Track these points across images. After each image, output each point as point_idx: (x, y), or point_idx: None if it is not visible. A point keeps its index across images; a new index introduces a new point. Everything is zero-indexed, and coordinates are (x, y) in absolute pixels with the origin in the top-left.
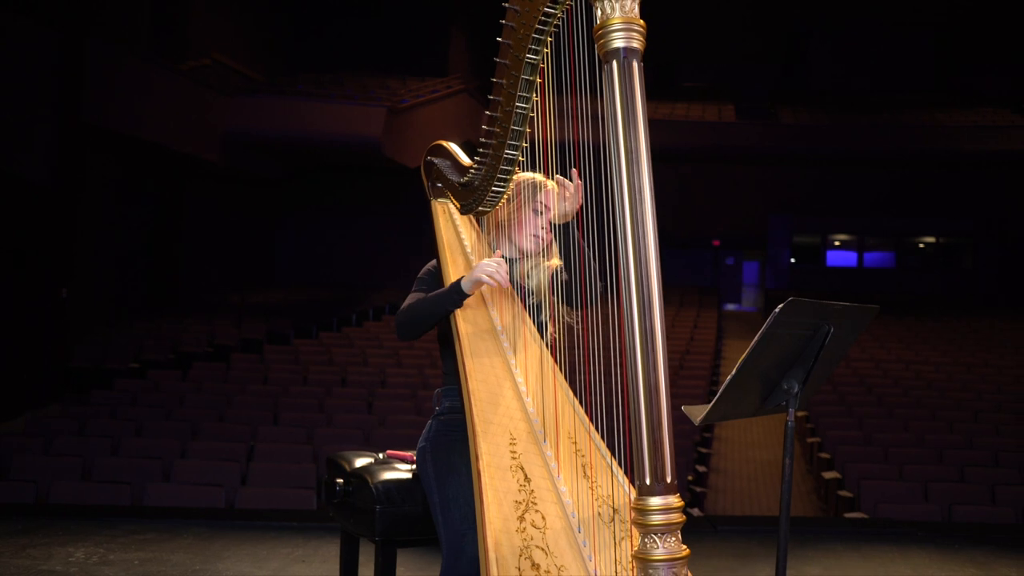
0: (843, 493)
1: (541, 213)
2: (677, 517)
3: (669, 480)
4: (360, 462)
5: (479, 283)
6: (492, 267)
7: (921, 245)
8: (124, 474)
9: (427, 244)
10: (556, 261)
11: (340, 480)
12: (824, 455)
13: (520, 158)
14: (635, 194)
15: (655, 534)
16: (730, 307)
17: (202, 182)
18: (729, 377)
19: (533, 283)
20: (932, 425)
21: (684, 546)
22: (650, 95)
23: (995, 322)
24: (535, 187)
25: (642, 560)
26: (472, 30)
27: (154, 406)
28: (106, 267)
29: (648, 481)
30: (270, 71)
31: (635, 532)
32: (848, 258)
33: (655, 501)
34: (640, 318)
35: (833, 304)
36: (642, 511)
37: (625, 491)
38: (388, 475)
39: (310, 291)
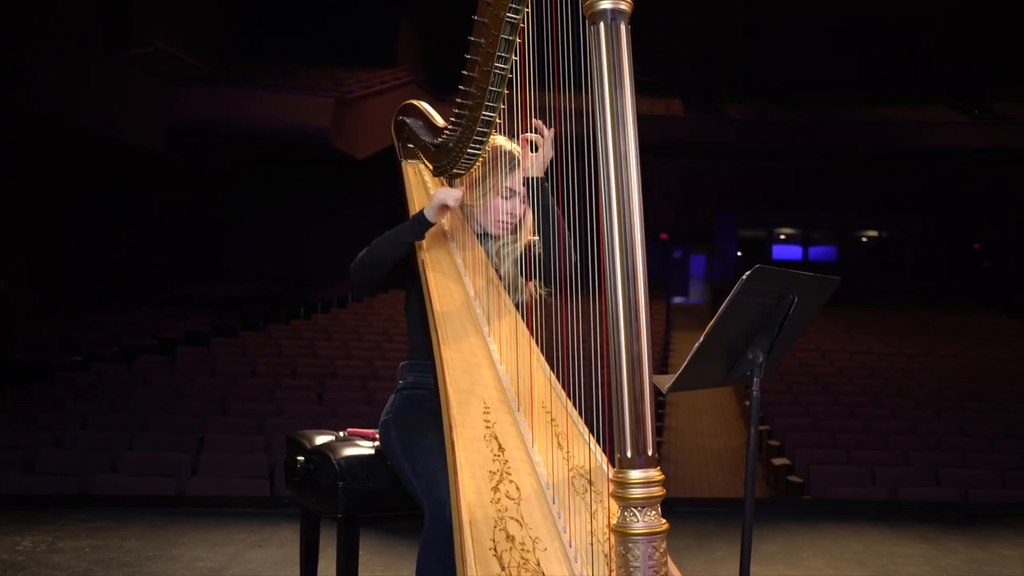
0: (793, 478)
1: (508, 199)
2: (658, 491)
3: (650, 453)
4: (321, 440)
5: (442, 208)
6: (454, 193)
7: (864, 239)
8: (70, 466)
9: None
10: (530, 236)
11: (301, 458)
12: (773, 442)
13: (497, 120)
14: (621, 160)
15: (635, 508)
16: (678, 300)
17: (149, 173)
18: (696, 345)
19: (506, 266)
20: (877, 412)
21: (663, 520)
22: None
23: (935, 314)
24: (509, 165)
25: (621, 534)
26: (421, 22)
27: (99, 399)
28: (48, 258)
29: (629, 454)
30: (216, 61)
31: (610, 503)
32: (793, 252)
33: (635, 474)
34: (624, 287)
35: (798, 273)
36: (622, 484)
37: (599, 462)
38: (350, 451)
39: (258, 284)
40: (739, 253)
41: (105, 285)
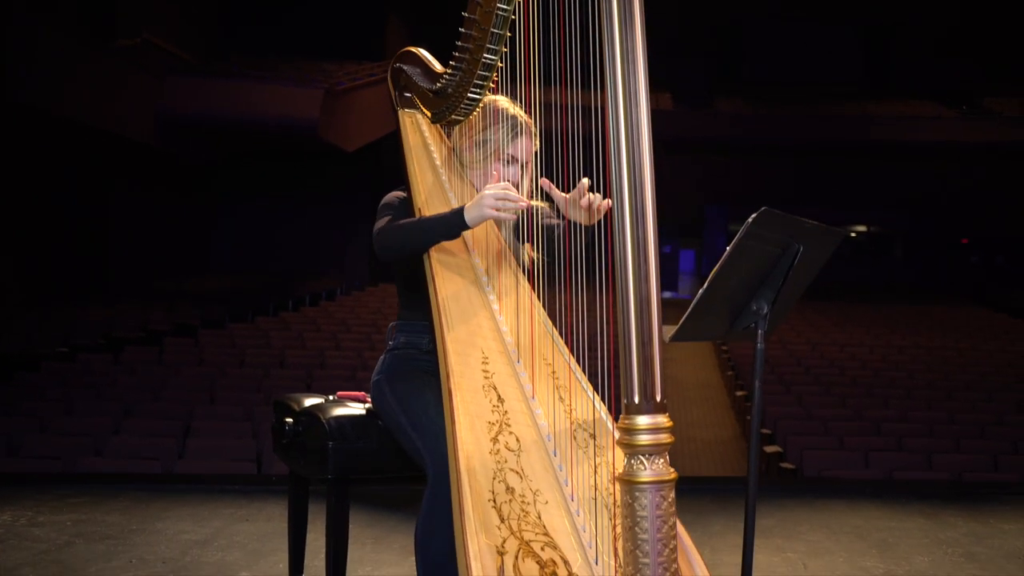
0: (785, 465)
1: (509, 164)
2: (666, 438)
3: (659, 399)
4: (310, 401)
5: (485, 218)
6: (500, 198)
7: (853, 235)
8: (54, 450)
9: (365, 231)
10: (531, 202)
11: (289, 420)
12: (765, 431)
13: (499, 64)
14: (631, 121)
15: (642, 455)
16: (667, 295)
17: (136, 165)
18: (700, 292)
19: (505, 234)
20: (869, 401)
21: (672, 468)
22: (585, 83)
23: (925, 309)
24: (512, 130)
25: (627, 482)
26: (410, 14)
27: (84, 387)
28: (31, 251)
29: (636, 399)
30: (203, 53)
31: (614, 458)
32: None
33: (643, 420)
34: (632, 227)
35: (804, 221)
36: (629, 431)
37: (602, 417)
38: (340, 411)
39: (246, 278)
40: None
41: (90, 278)
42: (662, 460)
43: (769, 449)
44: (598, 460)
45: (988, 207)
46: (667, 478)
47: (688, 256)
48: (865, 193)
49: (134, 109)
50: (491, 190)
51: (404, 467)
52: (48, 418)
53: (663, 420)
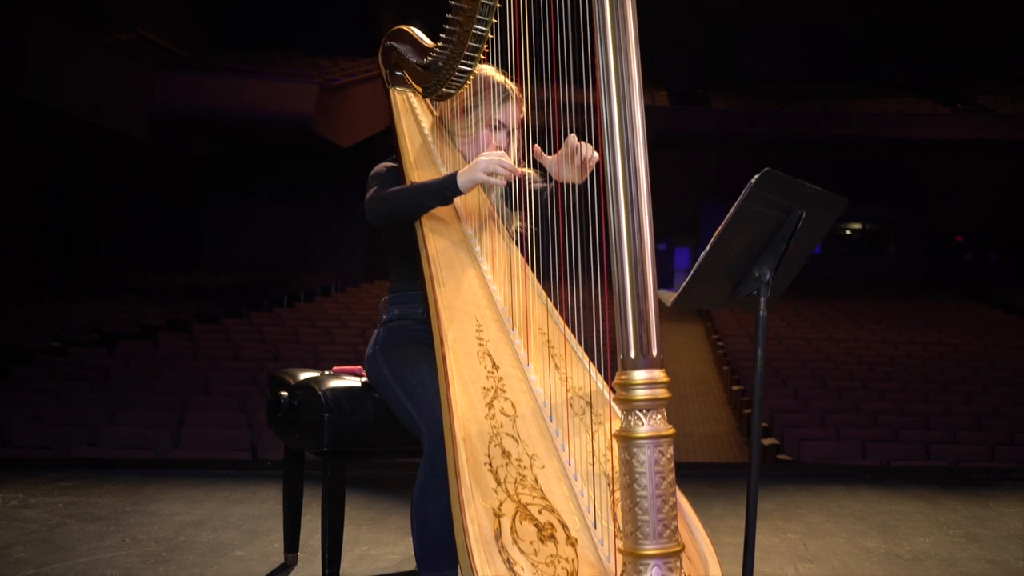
0: (782, 457)
1: (497, 130)
2: (663, 393)
3: (655, 353)
4: (306, 375)
5: (477, 183)
6: (494, 163)
7: (848, 232)
8: (47, 439)
9: (360, 227)
10: (528, 170)
11: (284, 393)
12: (762, 424)
13: (489, 35)
14: (620, 54)
15: (639, 411)
16: (663, 292)
17: (128, 160)
18: (702, 255)
19: (494, 200)
20: (865, 395)
21: (670, 425)
22: (580, 80)
23: (919, 305)
24: (500, 97)
25: (625, 438)
26: (405, 11)
27: (78, 379)
28: (23, 245)
29: (633, 354)
30: (197, 48)
31: (610, 427)
32: None
33: (640, 375)
34: (625, 181)
35: (806, 185)
36: (626, 386)
37: (599, 387)
38: (336, 384)
39: (239, 273)
40: None
41: (82, 273)
42: (660, 416)
43: (766, 442)
44: (595, 428)
45: (982, 204)
46: (665, 433)
47: (683, 254)
48: (859, 189)
49: (127, 103)
50: (486, 156)
51: (400, 440)
52: (41, 409)
53: (660, 375)
